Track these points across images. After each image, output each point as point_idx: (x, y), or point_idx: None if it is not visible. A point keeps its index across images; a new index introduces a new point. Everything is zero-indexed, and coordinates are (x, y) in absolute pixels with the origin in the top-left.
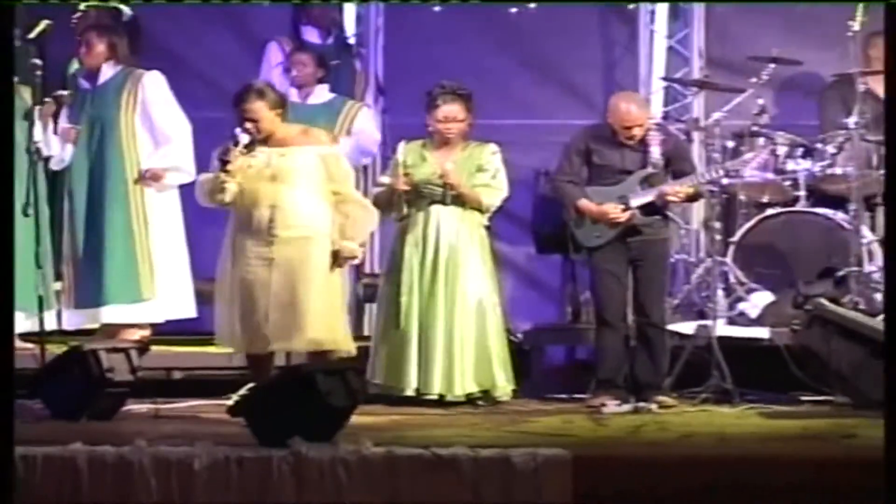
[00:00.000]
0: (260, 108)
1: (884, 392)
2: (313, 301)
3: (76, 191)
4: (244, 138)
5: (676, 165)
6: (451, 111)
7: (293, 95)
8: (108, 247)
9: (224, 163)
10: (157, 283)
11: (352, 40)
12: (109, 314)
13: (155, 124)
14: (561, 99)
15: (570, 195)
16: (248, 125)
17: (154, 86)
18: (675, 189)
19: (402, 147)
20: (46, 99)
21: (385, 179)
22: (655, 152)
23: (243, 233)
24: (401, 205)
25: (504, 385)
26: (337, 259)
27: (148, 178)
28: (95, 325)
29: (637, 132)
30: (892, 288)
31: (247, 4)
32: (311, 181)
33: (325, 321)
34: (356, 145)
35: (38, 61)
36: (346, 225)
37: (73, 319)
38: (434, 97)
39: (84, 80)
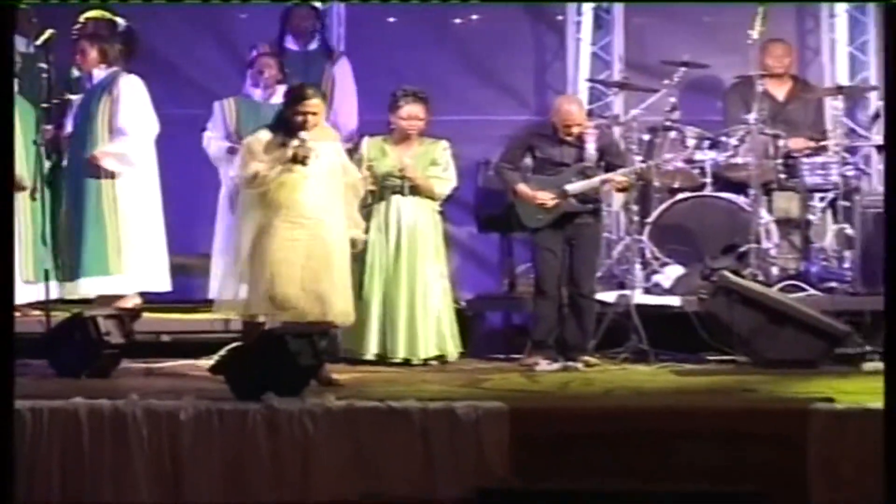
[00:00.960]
0: (319, 105)
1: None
2: (337, 278)
3: (67, 178)
4: (304, 134)
5: (609, 159)
6: (413, 111)
7: (256, 95)
8: (83, 227)
9: (300, 156)
10: (125, 260)
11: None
12: (84, 287)
13: (118, 119)
14: (499, 98)
15: (510, 180)
16: (310, 119)
17: (128, 87)
18: (616, 178)
19: (365, 142)
20: (54, 100)
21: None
22: (590, 148)
23: (273, 215)
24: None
25: (454, 348)
26: (354, 244)
27: (91, 162)
28: (74, 296)
29: (575, 130)
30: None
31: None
32: (332, 172)
33: (346, 296)
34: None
35: (44, 65)
36: (354, 213)
37: (55, 290)
38: (397, 98)
39: (86, 82)
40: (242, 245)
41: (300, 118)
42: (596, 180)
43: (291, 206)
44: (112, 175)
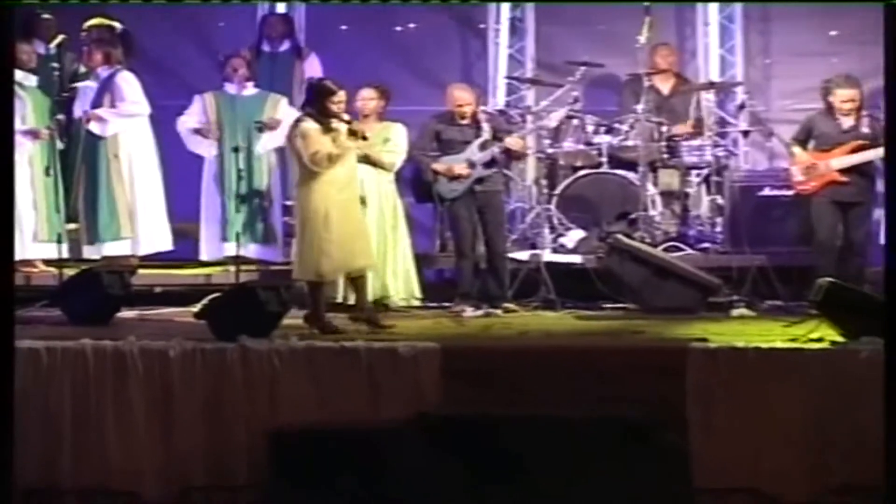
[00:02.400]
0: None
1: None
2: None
3: (82, 158)
4: (346, 116)
5: (500, 134)
6: (365, 94)
7: (231, 90)
8: (98, 199)
9: (359, 132)
10: (134, 225)
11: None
12: (103, 249)
13: (116, 95)
14: (432, 92)
15: (425, 163)
16: (342, 106)
17: (125, 79)
18: (511, 141)
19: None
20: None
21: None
22: (486, 126)
23: (331, 186)
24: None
25: (416, 293)
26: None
27: (86, 118)
28: (95, 257)
29: (467, 110)
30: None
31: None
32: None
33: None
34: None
35: (56, 64)
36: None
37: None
38: (359, 87)
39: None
40: (312, 218)
41: (336, 106)
42: (494, 148)
43: (347, 179)
44: (117, 154)
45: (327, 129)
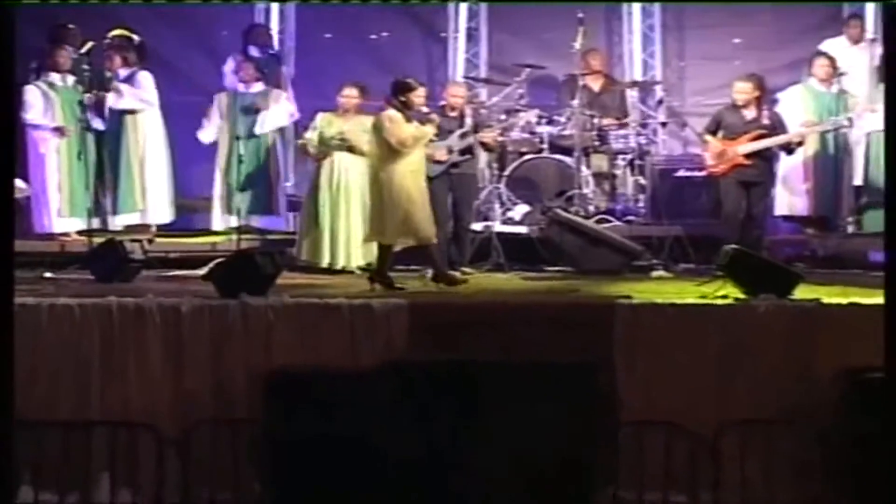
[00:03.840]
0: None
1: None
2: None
3: (106, 146)
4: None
5: (479, 128)
6: (349, 91)
7: (241, 88)
8: (119, 179)
9: (435, 121)
10: (146, 201)
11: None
12: (121, 220)
13: (135, 86)
14: None
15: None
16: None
17: (144, 76)
18: (484, 134)
19: (319, 116)
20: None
21: (307, 135)
22: (469, 120)
23: (407, 167)
24: (319, 152)
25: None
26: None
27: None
28: (116, 227)
29: (458, 102)
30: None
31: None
32: None
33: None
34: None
35: (86, 66)
36: None
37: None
38: (342, 85)
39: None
40: (396, 193)
41: (417, 99)
42: (471, 138)
43: (417, 163)
44: (137, 137)
45: (409, 119)
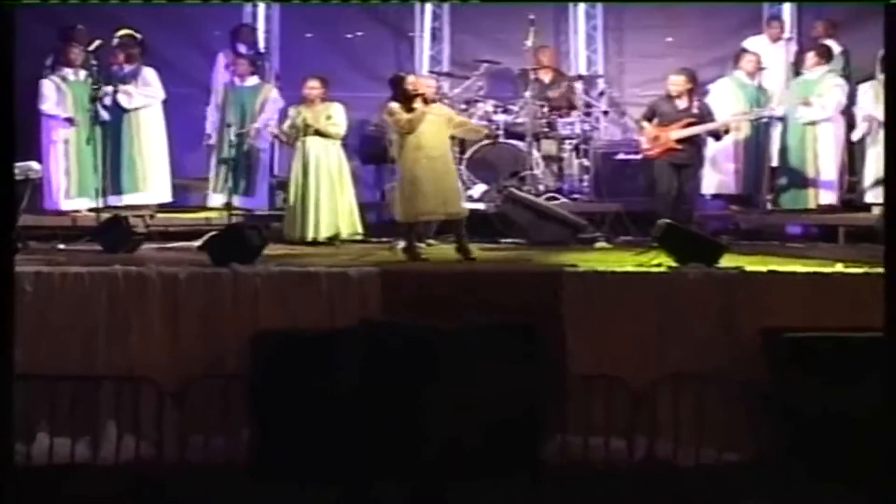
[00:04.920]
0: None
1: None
2: (453, 187)
3: (110, 133)
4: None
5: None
6: (312, 83)
7: (236, 82)
8: (122, 162)
9: (428, 97)
10: (147, 182)
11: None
12: (125, 199)
13: (140, 82)
14: (371, 83)
15: (387, 134)
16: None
17: (149, 72)
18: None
19: (291, 109)
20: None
21: (285, 126)
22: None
23: (419, 151)
24: (292, 139)
25: (357, 230)
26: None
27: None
28: (120, 205)
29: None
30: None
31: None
32: (438, 120)
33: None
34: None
35: (94, 62)
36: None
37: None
38: (306, 77)
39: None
40: (407, 176)
41: (410, 88)
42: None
43: (431, 146)
44: (140, 128)
45: (408, 108)
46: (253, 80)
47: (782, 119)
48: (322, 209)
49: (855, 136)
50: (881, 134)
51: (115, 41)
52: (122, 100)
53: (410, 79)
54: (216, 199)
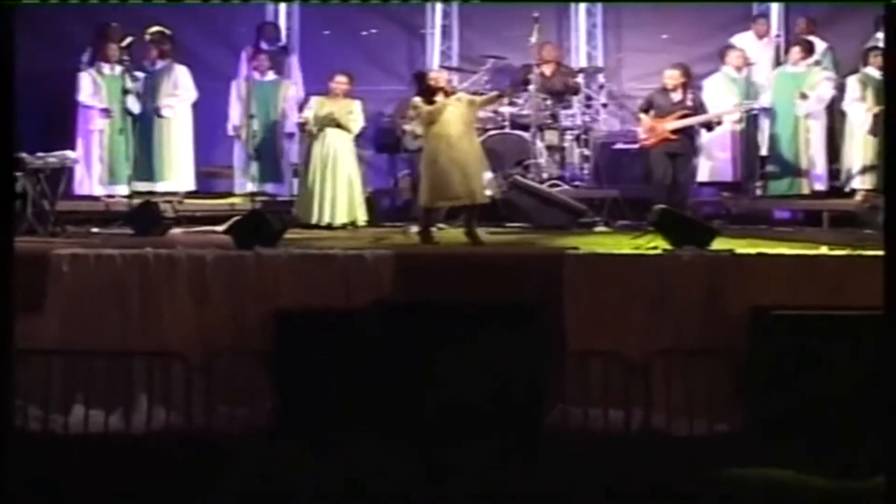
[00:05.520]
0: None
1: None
2: (476, 174)
3: (141, 124)
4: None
5: None
6: (340, 78)
7: (256, 77)
8: (153, 151)
9: (448, 90)
10: (174, 171)
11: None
12: (156, 186)
13: (175, 89)
14: (388, 77)
15: (398, 124)
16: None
17: (182, 72)
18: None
19: (312, 99)
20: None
21: (304, 115)
22: None
23: (440, 141)
24: (311, 130)
25: (363, 218)
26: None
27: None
28: (149, 190)
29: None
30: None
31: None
32: (459, 112)
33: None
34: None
35: (126, 58)
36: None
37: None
38: (333, 73)
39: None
40: (430, 165)
41: (433, 82)
42: None
43: (455, 137)
44: (169, 120)
45: (430, 102)
46: (272, 76)
47: (769, 110)
48: (339, 197)
49: (863, 128)
50: (857, 121)
51: (147, 37)
52: (168, 113)
53: (432, 74)
54: (240, 186)
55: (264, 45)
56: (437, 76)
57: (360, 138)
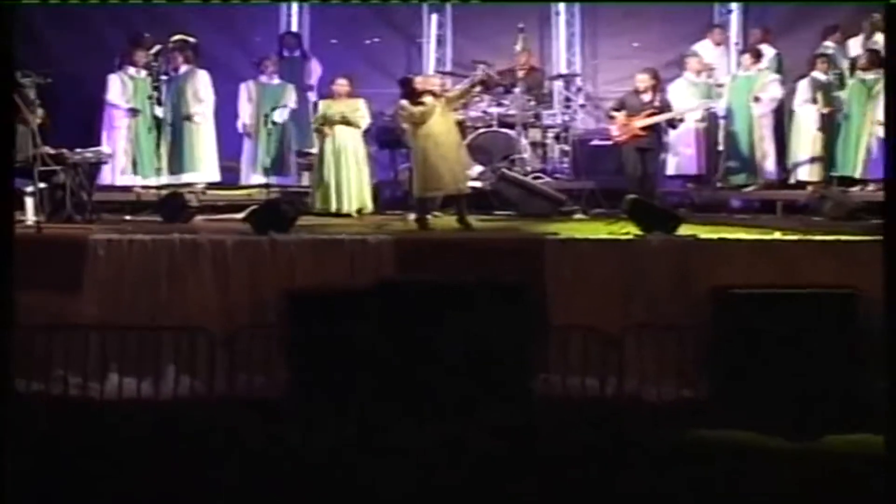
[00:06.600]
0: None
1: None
2: (461, 166)
3: (170, 123)
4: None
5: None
6: (341, 81)
7: (264, 79)
8: (182, 147)
9: (439, 91)
10: (201, 164)
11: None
12: (183, 178)
13: (198, 93)
14: (387, 82)
15: (398, 123)
16: (433, 89)
17: (203, 79)
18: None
19: (321, 103)
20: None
21: (318, 116)
22: None
23: (428, 140)
24: (321, 128)
25: (370, 206)
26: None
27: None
28: (178, 183)
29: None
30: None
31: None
32: (443, 112)
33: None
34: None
35: (155, 64)
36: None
37: (166, 180)
38: (335, 76)
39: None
40: (419, 159)
41: (419, 86)
42: None
43: (440, 134)
44: (195, 122)
45: (416, 103)
46: (277, 80)
47: (726, 111)
48: (352, 187)
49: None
50: (807, 120)
51: (171, 45)
52: (198, 118)
53: (418, 79)
54: (256, 178)
55: (285, 53)
56: (424, 80)
57: (365, 135)
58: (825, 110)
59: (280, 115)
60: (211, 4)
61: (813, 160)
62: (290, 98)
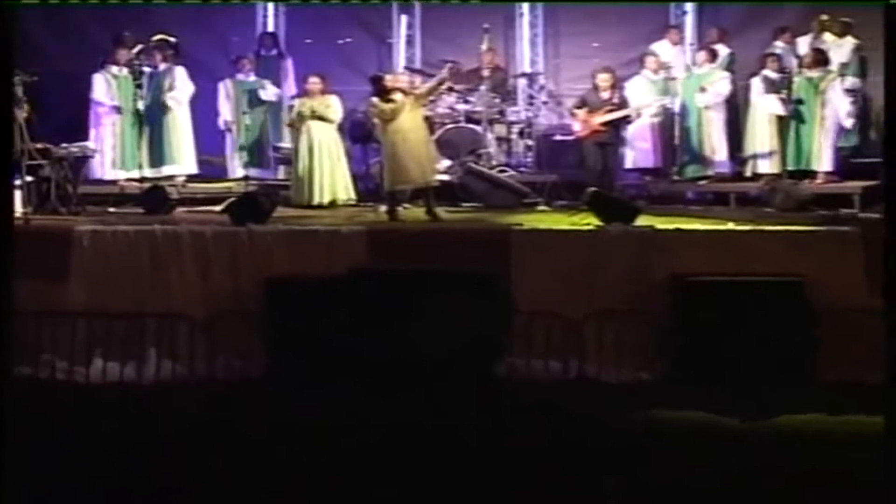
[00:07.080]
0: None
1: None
2: (429, 159)
3: (149, 117)
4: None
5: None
6: (313, 79)
7: (240, 77)
8: (162, 140)
9: (407, 89)
10: (179, 157)
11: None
12: (163, 171)
13: (174, 83)
14: (360, 80)
15: (370, 118)
16: (403, 86)
17: (180, 74)
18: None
19: (296, 101)
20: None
21: (293, 114)
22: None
23: (395, 133)
24: (297, 123)
25: (353, 196)
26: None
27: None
28: (159, 176)
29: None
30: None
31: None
32: (412, 108)
33: (434, 167)
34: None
35: (137, 62)
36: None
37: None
38: (307, 74)
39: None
40: (388, 153)
41: (389, 84)
42: None
43: (407, 129)
44: (174, 114)
45: (386, 100)
46: (253, 77)
47: (680, 107)
48: (325, 179)
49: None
50: (761, 115)
51: (152, 43)
52: (171, 103)
53: (388, 77)
54: (234, 171)
55: (263, 52)
56: (394, 78)
57: (340, 131)
58: (781, 109)
59: (265, 94)
60: (191, 4)
61: (766, 153)
62: (269, 94)
